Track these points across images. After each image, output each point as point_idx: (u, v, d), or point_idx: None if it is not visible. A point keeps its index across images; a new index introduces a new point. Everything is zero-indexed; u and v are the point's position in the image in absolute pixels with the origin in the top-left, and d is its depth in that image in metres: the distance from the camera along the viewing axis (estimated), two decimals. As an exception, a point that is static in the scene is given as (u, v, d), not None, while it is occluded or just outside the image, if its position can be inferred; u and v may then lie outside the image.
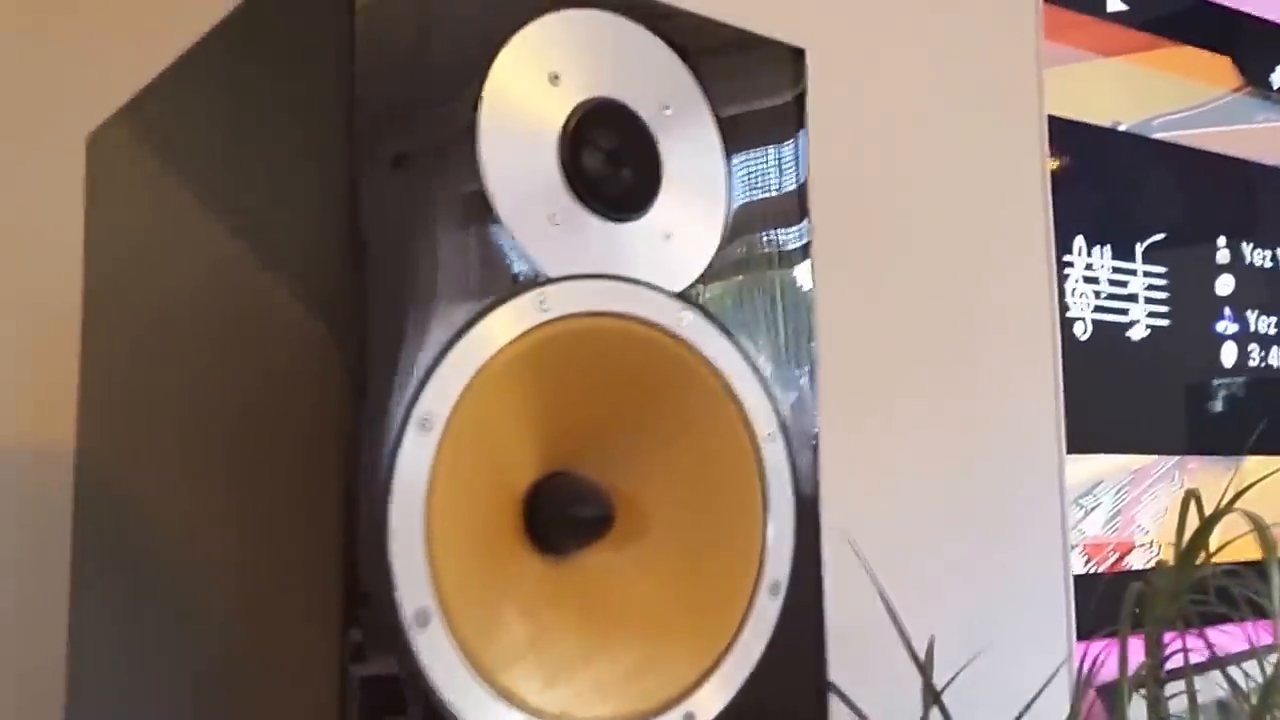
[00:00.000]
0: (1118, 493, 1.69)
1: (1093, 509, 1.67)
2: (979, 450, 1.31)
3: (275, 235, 0.63)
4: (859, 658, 1.04)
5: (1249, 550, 1.27)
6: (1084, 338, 1.69)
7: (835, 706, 0.92)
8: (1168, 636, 0.99)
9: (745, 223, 0.68)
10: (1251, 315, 1.88)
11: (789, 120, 0.70)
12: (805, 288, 0.70)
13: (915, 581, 1.20)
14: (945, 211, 1.38)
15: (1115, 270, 1.75)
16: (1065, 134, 1.71)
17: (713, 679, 0.61)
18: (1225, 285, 1.84)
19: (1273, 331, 1.90)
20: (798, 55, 0.70)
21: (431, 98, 0.57)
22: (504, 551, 0.58)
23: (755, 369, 0.65)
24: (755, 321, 0.67)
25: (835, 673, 1.02)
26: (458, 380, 0.55)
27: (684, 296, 0.64)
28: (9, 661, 0.94)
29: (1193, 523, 1.06)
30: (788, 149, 0.70)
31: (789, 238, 0.70)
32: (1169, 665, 0.99)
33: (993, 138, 1.47)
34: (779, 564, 0.64)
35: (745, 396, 0.65)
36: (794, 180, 0.70)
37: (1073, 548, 1.62)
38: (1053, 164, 1.69)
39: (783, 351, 0.68)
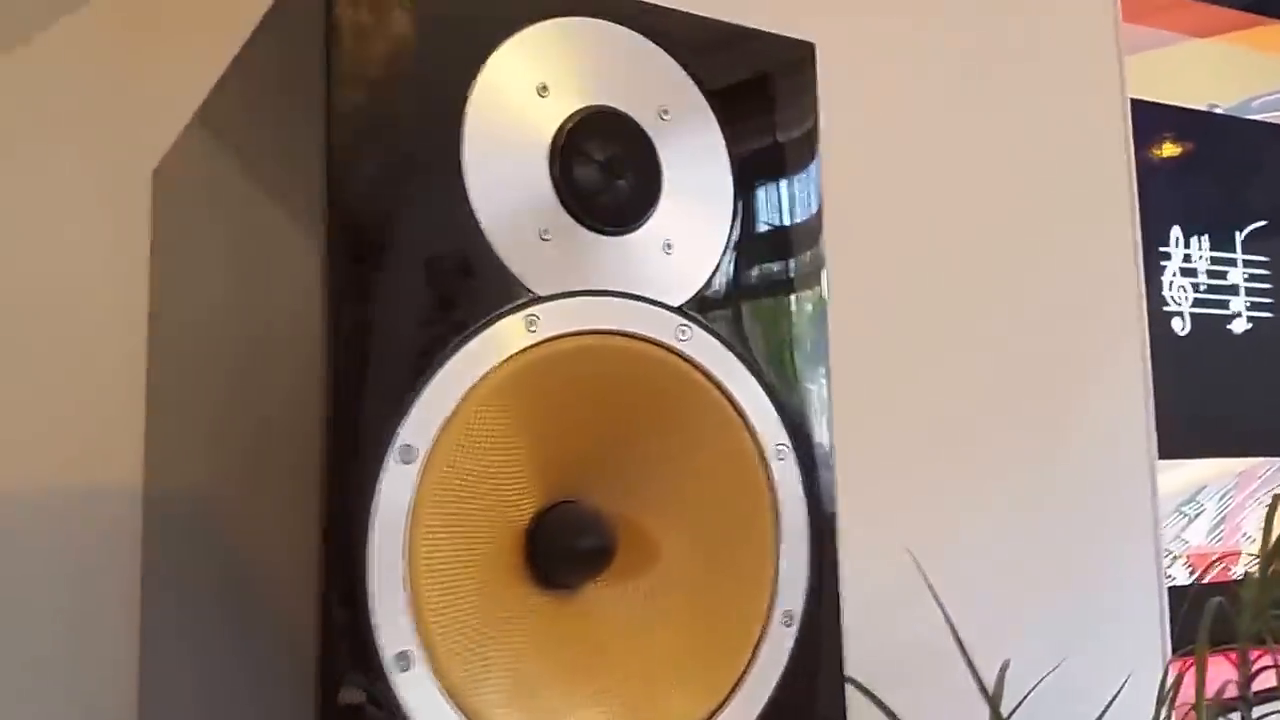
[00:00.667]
0: (1222, 498, 1.59)
1: (1196, 516, 1.57)
2: (1064, 458, 1.24)
3: (272, 263, 0.62)
4: (928, 679, 0.99)
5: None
6: (1183, 333, 1.60)
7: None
8: (1256, 653, 0.92)
9: (753, 230, 0.64)
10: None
11: (800, 119, 0.67)
12: (819, 297, 0.66)
13: (993, 599, 1.15)
14: (1026, 206, 1.31)
15: (1214, 261, 1.65)
16: (1158, 119, 1.62)
17: (720, 718, 0.57)
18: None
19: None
20: (806, 50, 0.67)
21: (413, 113, 0.55)
22: (501, 587, 0.56)
23: (764, 385, 0.62)
24: (764, 335, 0.63)
25: (898, 697, 0.97)
26: (441, 408, 0.53)
27: (685, 310, 0.60)
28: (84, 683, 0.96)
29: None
30: (799, 149, 0.66)
31: (801, 244, 0.66)
32: (1257, 685, 0.92)
33: (1075, 127, 1.40)
34: (793, 592, 0.60)
35: (753, 414, 0.61)
36: (807, 182, 0.67)
37: (1176, 558, 1.53)
38: (1165, 151, 1.61)
39: (795, 365, 0.64)
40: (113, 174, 0.96)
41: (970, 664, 0.88)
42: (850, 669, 0.93)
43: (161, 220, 0.87)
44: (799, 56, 0.67)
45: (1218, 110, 1.72)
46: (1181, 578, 1.52)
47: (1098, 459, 1.27)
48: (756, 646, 0.59)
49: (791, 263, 0.66)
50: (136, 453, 0.86)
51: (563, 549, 0.57)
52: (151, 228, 0.89)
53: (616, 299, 0.59)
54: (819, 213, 0.66)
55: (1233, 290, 1.66)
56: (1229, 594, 0.92)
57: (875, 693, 0.91)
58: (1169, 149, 1.64)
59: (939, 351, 1.17)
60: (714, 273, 0.62)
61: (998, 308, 1.23)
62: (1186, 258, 1.62)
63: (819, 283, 0.66)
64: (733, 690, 0.58)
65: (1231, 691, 0.95)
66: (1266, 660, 0.91)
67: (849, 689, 0.91)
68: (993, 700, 0.88)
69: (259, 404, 0.61)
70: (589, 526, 0.57)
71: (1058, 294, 1.29)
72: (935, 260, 1.19)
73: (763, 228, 0.65)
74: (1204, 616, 0.87)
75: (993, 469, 1.18)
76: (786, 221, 0.66)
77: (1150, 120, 1.60)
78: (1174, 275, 1.61)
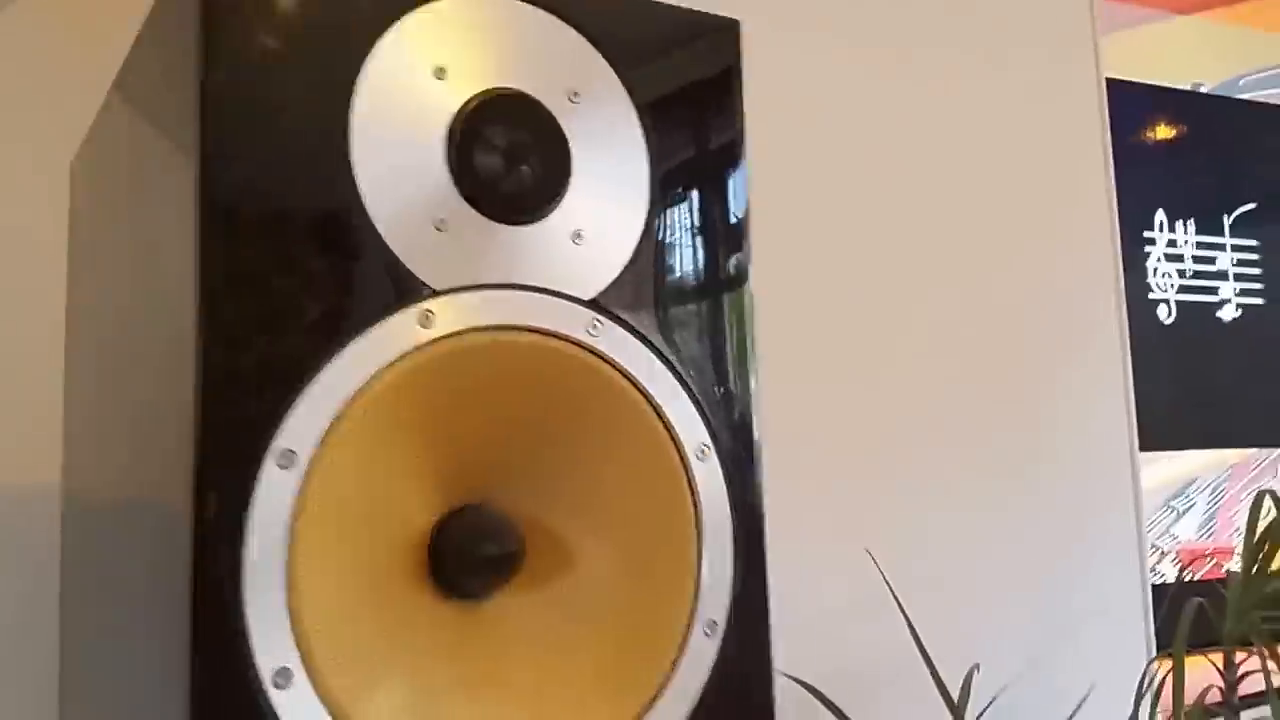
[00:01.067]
0: (1213, 492, 1.55)
1: (1186, 511, 1.53)
2: (1039, 451, 1.20)
3: (159, 256, 0.59)
4: (898, 685, 0.96)
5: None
6: (1169, 321, 1.56)
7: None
8: (1242, 656, 0.88)
9: (673, 220, 0.61)
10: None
11: (723, 101, 0.63)
12: (745, 290, 0.62)
13: (965, 601, 1.11)
14: (998, 191, 1.28)
15: (1201, 246, 1.61)
16: (1140, 100, 1.58)
17: (635, 731, 0.54)
18: (1328, 256, 1.67)
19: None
20: (730, 28, 0.63)
21: (298, 98, 0.52)
22: (398, 597, 0.53)
23: (683, 382, 0.58)
24: (684, 330, 0.60)
25: (863, 704, 0.94)
26: (325, 411, 0.50)
27: (597, 304, 0.57)
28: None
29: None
30: (724, 132, 0.63)
31: (725, 234, 0.63)
32: (1244, 688, 0.88)
33: (1049, 109, 1.36)
34: (716, 598, 0.57)
35: (672, 412, 0.58)
36: (732, 168, 0.63)
37: (1165, 554, 1.49)
38: (1149, 133, 1.58)
39: (718, 362, 0.61)
40: (33, 166, 0.93)
41: (932, 668, 0.84)
42: (811, 676, 0.90)
43: (77, 212, 0.84)
44: (724, 35, 0.64)
45: (1203, 90, 1.68)
46: (1172, 575, 1.48)
47: (1075, 452, 1.23)
48: (676, 657, 0.56)
49: (715, 254, 0.63)
50: (56, 452, 0.83)
51: (465, 556, 0.54)
52: (70, 220, 0.86)
53: (521, 292, 0.56)
54: (745, 201, 0.63)
55: (1221, 276, 1.61)
56: (1213, 593, 0.89)
57: (838, 702, 0.88)
58: (1152, 131, 1.60)
59: (905, 342, 1.13)
60: (629, 265, 0.59)
61: (968, 296, 1.20)
62: (1172, 243, 1.58)
63: (745, 276, 0.63)
64: (650, 704, 0.55)
65: (1216, 695, 0.91)
66: (1254, 663, 0.88)
67: (805, 695, 0.88)
68: (956, 707, 0.85)
69: (143, 403, 0.58)
70: (493, 531, 0.54)
71: (1032, 282, 1.26)
72: (901, 247, 1.16)
73: (683, 217, 0.62)
74: (1180, 620, 0.84)
75: (963, 464, 1.14)
76: (709, 210, 0.63)
77: (1133, 101, 1.56)
78: (1159, 261, 1.57)
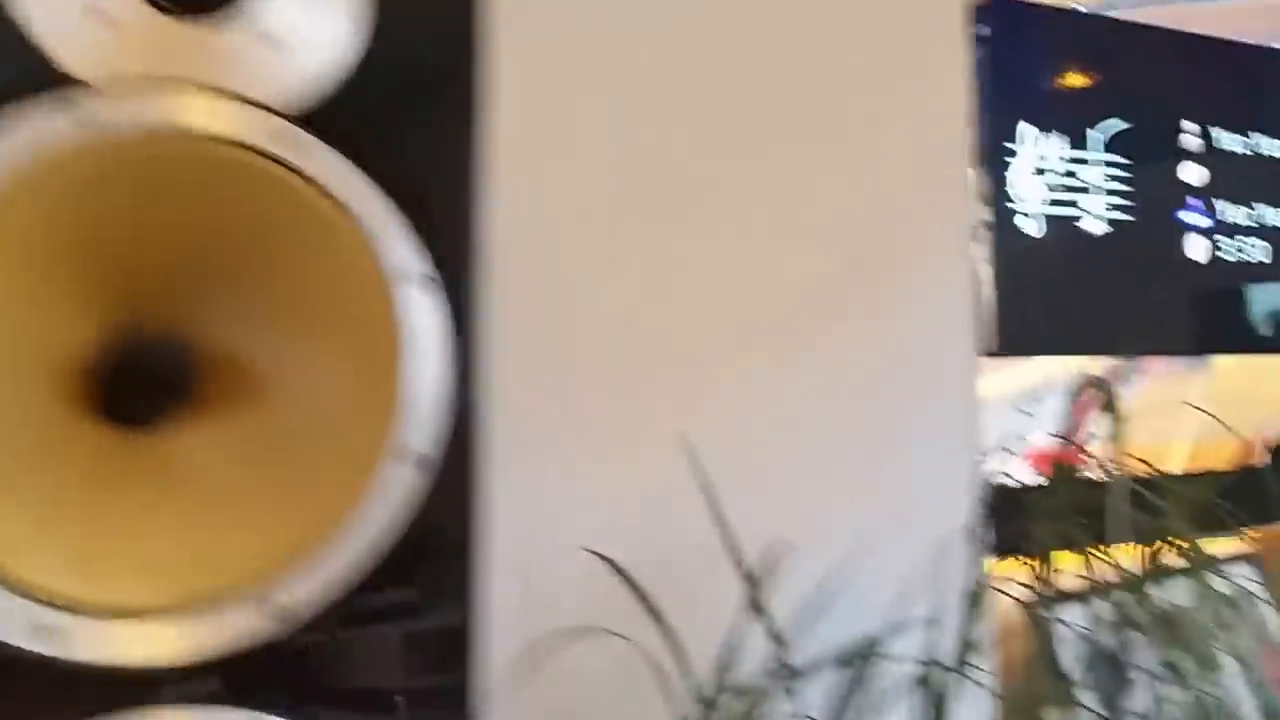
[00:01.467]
0: (1067, 398, 1.55)
1: (1039, 416, 1.54)
2: (874, 348, 1.18)
3: None
4: (714, 575, 0.93)
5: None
6: (1035, 234, 1.55)
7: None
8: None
9: (394, 23, 0.55)
10: (1221, 205, 1.70)
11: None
12: (476, 109, 0.57)
13: (788, 495, 1.08)
14: (845, 93, 1.24)
15: (1069, 160, 1.60)
16: (1009, 13, 1.56)
17: (312, 560, 0.50)
18: (1193, 174, 1.68)
19: (1245, 222, 1.73)
20: None
21: None
22: (39, 420, 0.48)
23: (393, 203, 0.53)
24: (397, 149, 0.55)
25: (673, 591, 0.91)
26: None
27: (292, 115, 0.52)
28: None
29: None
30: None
31: (455, 45, 0.58)
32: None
33: (903, 17, 1.31)
34: (416, 428, 0.53)
35: (378, 232, 0.53)
36: (463, -20, 0.58)
37: (1014, 456, 1.49)
38: (1019, 46, 1.56)
39: (437, 185, 0.56)
40: None
41: (732, 543, 0.82)
42: (623, 560, 0.86)
43: None
44: None
45: (1079, 8, 1.66)
46: (1025, 477, 1.48)
47: (911, 350, 1.21)
48: (367, 489, 0.51)
49: (445, 69, 0.58)
50: None
51: (125, 379, 0.49)
52: None
53: (197, 94, 0.50)
54: (477, 18, 0.58)
55: (1084, 190, 1.61)
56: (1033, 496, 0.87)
57: (647, 583, 0.84)
58: (1024, 47, 1.58)
59: (735, 223, 1.09)
60: (336, 77, 0.54)
61: (811, 186, 1.16)
62: (1042, 158, 1.58)
63: (475, 92, 0.58)
64: (330, 534, 0.50)
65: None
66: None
67: (609, 574, 0.84)
68: (751, 579, 0.82)
69: None
70: (154, 350, 0.50)
71: (878, 179, 1.22)
72: (735, 134, 1.11)
73: (406, 24, 0.56)
74: (981, 519, 0.83)
75: (793, 351, 1.11)
76: (437, 17, 0.57)
77: (1007, 17, 1.54)
78: (1025, 174, 1.56)
